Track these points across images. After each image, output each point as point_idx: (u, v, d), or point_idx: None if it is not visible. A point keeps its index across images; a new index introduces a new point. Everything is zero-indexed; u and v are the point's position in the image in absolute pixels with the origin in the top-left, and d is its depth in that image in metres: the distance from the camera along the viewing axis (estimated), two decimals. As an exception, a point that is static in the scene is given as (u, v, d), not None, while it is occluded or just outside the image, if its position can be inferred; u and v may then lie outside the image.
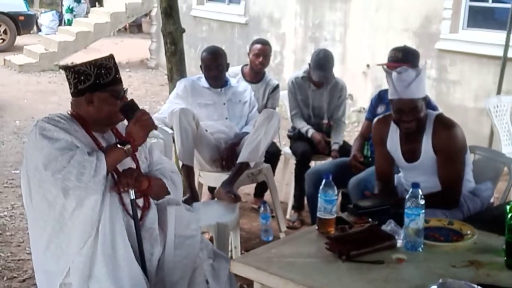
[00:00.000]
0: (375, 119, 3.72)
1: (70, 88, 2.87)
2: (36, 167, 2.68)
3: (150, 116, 2.85)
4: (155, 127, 2.89)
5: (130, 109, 2.83)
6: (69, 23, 15.04)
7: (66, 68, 2.87)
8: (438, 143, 3.34)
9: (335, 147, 4.98)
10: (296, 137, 5.19)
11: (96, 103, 2.83)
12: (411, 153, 3.44)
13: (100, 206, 2.71)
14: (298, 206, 5.09)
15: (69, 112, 2.88)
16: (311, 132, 5.06)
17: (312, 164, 5.16)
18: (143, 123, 2.81)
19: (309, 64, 5.11)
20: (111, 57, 2.91)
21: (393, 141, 3.52)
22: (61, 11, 16.08)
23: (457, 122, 3.43)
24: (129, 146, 2.77)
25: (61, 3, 16.17)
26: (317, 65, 5.00)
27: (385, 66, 3.71)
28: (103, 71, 2.82)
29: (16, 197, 5.51)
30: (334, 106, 5.19)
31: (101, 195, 2.70)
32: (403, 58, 4.20)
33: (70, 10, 15.38)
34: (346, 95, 5.25)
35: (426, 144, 3.37)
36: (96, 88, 2.82)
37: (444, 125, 3.37)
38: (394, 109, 3.37)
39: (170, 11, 5.09)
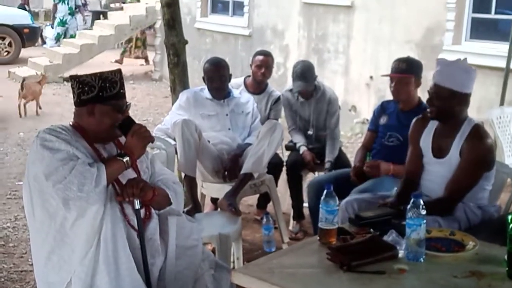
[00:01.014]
0: (415, 119, 3.71)
1: (73, 97, 2.91)
2: (37, 177, 2.70)
3: (146, 128, 2.89)
4: (152, 139, 2.94)
5: (127, 125, 2.87)
6: (58, 37, 14.70)
7: (72, 77, 2.91)
8: (465, 148, 3.35)
9: (327, 166, 4.97)
10: (293, 148, 5.22)
11: (97, 115, 2.85)
12: (440, 150, 3.46)
13: (101, 217, 2.73)
14: (297, 216, 5.11)
15: (71, 123, 2.91)
16: (302, 149, 5.07)
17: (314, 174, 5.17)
18: (140, 135, 2.84)
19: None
20: (118, 71, 2.94)
21: (427, 137, 3.55)
22: (53, 24, 15.44)
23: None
24: (127, 158, 2.80)
25: (53, 16, 15.46)
26: (296, 76, 5.03)
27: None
28: (107, 84, 2.85)
29: (19, 209, 5.52)
30: (323, 118, 5.17)
31: (102, 205, 2.72)
32: (407, 69, 4.21)
33: (63, 23, 14.85)
34: (337, 106, 5.22)
35: (457, 145, 3.38)
36: (98, 100, 2.84)
37: (479, 135, 3.37)
38: (430, 93, 3.44)
39: (173, 23, 5.12)
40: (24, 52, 14.61)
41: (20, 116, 9.40)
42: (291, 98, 5.21)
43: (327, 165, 4.97)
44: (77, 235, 2.71)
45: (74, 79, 2.89)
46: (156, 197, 2.89)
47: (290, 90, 5.21)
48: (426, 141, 3.55)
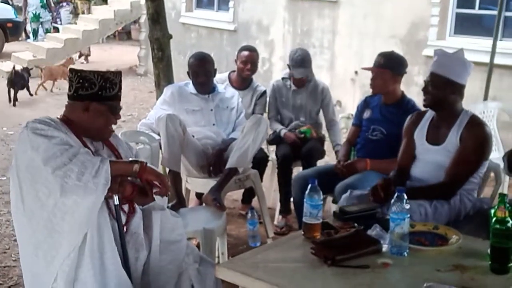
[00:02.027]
0: (410, 116, 3.77)
1: (70, 90, 2.91)
2: (29, 165, 2.68)
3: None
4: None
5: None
6: (35, 33, 14.30)
7: (72, 70, 2.92)
8: (466, 135, 3.40)
9: (337, 148, 5.09)
10: (277, 141, 5.23)
11: (91, 113, 2.88)
12: (436, 138, 3.52)
13: (97, 210, 2.70)
14: (284, 211, 5.11)
15: (58, 117, 2.91)
16: (283, 132, 5.15)
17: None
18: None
19: (288, 66, 5.22)
20: (119, 73, 2.98)
21: (422, 128, 3.61)
22: (25, 20, 14.83)
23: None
24: (137, 166, 2.81)
25: (24, 11, 14.77)
26: (296, 63, 5.13)
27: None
28: (108, 85, 2.89)
29: (2, 204, 5.47)
30: (317, 107, 5.28)
31: (100, 198, 2.68)
32: (384, 64, 4.25)
33: (36, 17, 14.36)
34: (330, 95, 5.35)
35: (455, 133, 3.44)
36: (96, 98, 2.87)
37: (479, 123, 3.47)
38: (425, 82, 3.52)
39: (157, 17, 5.11)
40: (8, 47, 14.50)
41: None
42: (282, 87, 5.28)
43: (337, 148, 5.11)
44: (69, 224, 2.67)
45: (75, 72, 2.89)
46: (136, 193, 2.87)
47: (283, 79, 5.27)
48: (421, 132, 3.61)
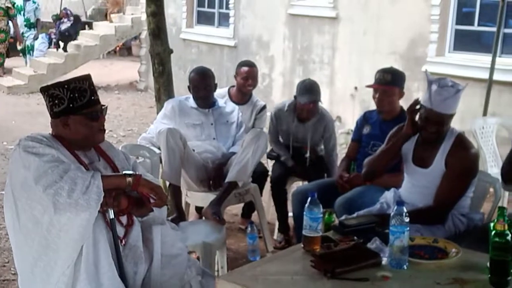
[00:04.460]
0: (399, 125, 3.74)
1: (47, 110, 2.90)
2: (24, 184, 2.67)
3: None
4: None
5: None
6: (24, 52, 14.02)
7: (41, 90, 2.90)
8: (451, 160, 3.41)
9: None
10: (275, 157, 5.20)
11: (71, 126, 2.86)
12: (423, 160, 3.51)
13: (91, 225, 2.68)
14: (282, 228, 5.09)
15: (50, 133, 2.91)
16: (290, 163, 5.05)
17: (300, 183, 5.19)
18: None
19: (295, 97, 5.03)
20: (86, 78, 2.91)
21: (409, 145, 3.60)
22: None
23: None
24: (131, 179, 2.80)
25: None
26: (303, 89, 4.92)
27: (428, 72, 3.71)
28: (76, 95, 2.83)
29: (2, 218, 5.46)
30: (318, 139, 5.14)
31: (93, 213, 2.65)
32: (392, 81, 4.26)
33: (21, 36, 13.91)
34: (334, 128, 5.19)
35: (441, 156, 3.44)
36: (70, 111, 2.84)
37: (463, 145, 3.46)
38: (421, 115, 3.47)
39: (158, 32, 5.14)
40: (8, 62, 14.53)
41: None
42: (287, 117, 5.10)
43: None
44: (64, 242, 2.66)
45: (44, 91, 2.87)
46: (131, 206, 2.86)
47: (286, 110, 5.09)
48: (407, 149, 3.60)
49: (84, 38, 14.07)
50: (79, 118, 2.85)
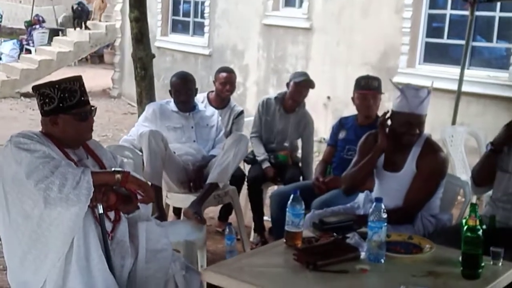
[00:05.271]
0: (367, 133, 3.87)
1: (38, 108, 2.98)
2: (15, 178, 2.74)
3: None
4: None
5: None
6: None
7: (33, 88, 2.98)
8: (422, 162, 3.55)
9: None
10: (253, 161, 5.31)
11: (60, 125, 2.93)
12: (394, 164, 3.63)
13: (81, 220, 2.75)
14: (258, 228, 5.21)
15: (40, 131, 2.99)
16: (265, 165, 5.18)
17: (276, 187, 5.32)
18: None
19: (287, 84, 5.27)
20: (77, 79, 3.00)
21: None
22: None
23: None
24: (119, 176, 2.88)
25: None
26: (301, 73, 5.37)
27: (395, 82, 3.89)
28: (66, 95, 2.91)
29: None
30: (297, 136, 5.34)
31: (83, 208, 2.73)
32: (378, 86, 4.52)
33: None
34: (313, 130, 5.39)
35: (411, 159, 3.58)
36: (60, 111, 2.92)
37: (432, 148, 3.61)
38: (401, 121, 3.55)
39: (141, 37, 5.24)
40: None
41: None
42: (273, 106, 5.31)
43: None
44: (54, 235, 2.73)
45: (35, 90, 2.96)
46: (119, 202, 2.95)
47: (274, 98, 5.31)
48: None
49: (58, 44, 14.08)
50: (68, 117, 2.93)
